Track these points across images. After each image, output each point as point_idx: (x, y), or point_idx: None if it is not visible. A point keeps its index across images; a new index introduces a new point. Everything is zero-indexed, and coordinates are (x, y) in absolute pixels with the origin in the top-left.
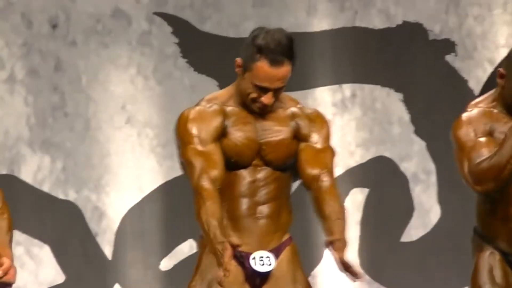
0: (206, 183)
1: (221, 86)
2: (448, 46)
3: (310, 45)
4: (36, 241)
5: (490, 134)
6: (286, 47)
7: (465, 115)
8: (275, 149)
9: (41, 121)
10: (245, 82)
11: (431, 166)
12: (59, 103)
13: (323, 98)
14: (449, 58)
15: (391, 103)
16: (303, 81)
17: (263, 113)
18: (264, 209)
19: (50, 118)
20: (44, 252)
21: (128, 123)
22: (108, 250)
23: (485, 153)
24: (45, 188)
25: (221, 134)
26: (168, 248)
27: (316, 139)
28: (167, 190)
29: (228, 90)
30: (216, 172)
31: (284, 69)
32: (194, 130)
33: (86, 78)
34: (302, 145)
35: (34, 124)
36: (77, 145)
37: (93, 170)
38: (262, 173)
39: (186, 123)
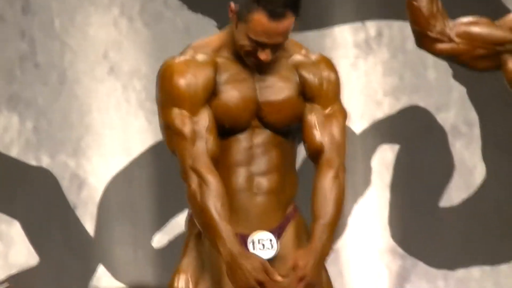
0: (207, 167)
1: (221, 27)
2: None
3: None
4: (4, 217)
5: None
6: None
7: None
8: (277, 109)
9: (7, 74)
10: (239, 33)
11: (474, 117)
12: (28, 53)
13: (343, 38)
14: None
15: None
16: (320, 18)
17: (260, 67)
18: (263, 183)
19: (17, 70)
20: (14, 230)
21: (111, 74)
22: (90, 226)
23: None
24: (13, 153)
25: (212, 93)
26: (161, 221)
27: (323, 98)
28: (158, 151)
29: (220, 37)
30: (212, 146)
31: (286, 23)
32: (181, 87)
33: (60, 22)
34: (308, 106)
35: None
36: (51, 102)
37: (70, 131)
38: (261, 137)
39: (172, 78)
